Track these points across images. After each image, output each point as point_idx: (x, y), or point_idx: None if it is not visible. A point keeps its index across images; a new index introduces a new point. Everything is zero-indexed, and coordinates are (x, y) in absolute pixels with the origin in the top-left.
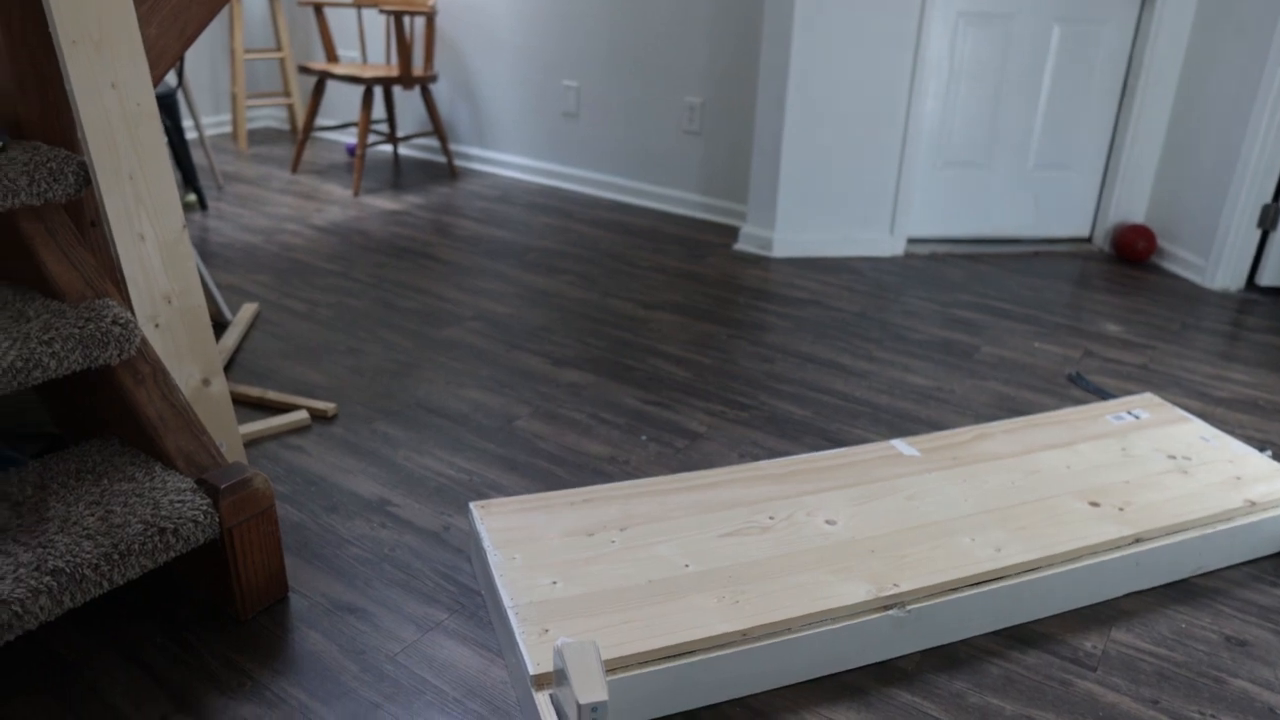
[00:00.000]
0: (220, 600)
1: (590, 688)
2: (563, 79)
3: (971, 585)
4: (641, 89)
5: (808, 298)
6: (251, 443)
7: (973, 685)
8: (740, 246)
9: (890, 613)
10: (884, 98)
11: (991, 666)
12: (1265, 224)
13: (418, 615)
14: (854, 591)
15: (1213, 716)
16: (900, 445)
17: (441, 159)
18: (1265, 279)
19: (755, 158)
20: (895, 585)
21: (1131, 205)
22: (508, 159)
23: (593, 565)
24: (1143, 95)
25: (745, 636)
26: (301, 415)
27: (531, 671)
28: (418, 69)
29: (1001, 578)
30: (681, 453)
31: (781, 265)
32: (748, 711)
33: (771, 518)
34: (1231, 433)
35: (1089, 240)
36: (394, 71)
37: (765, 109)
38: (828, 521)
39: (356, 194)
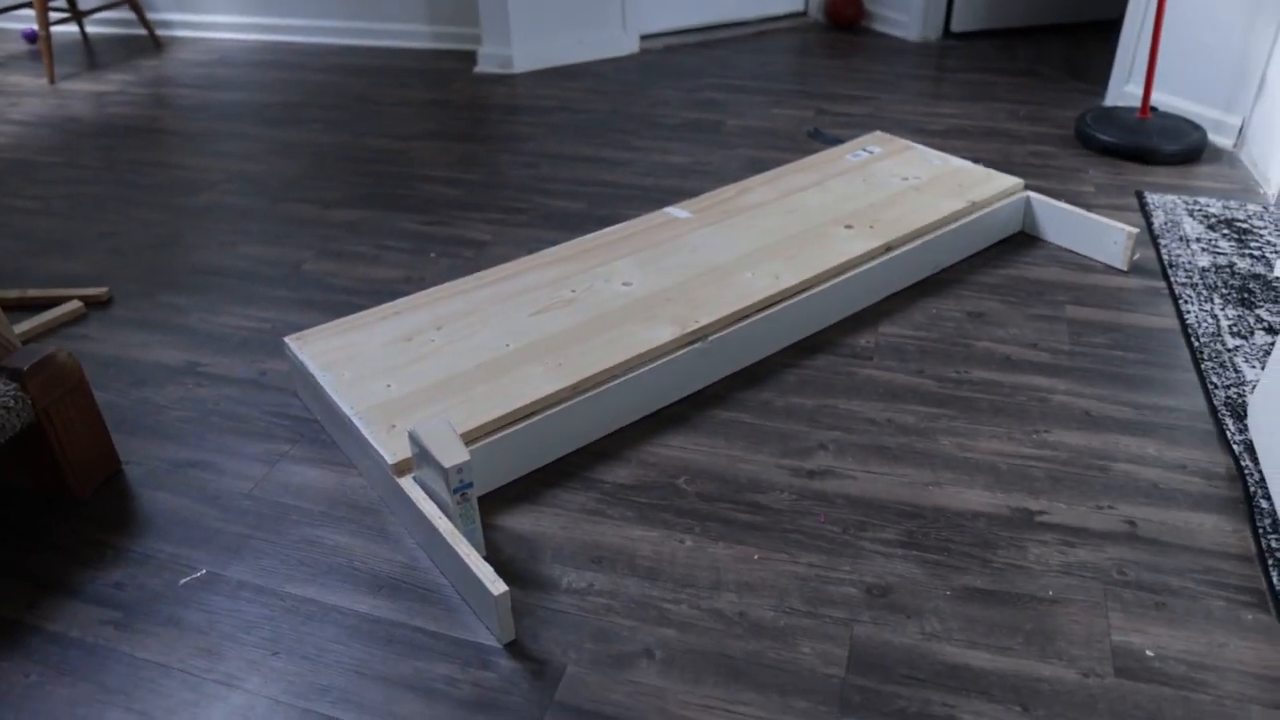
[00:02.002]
0: (54, 486)
1: (452, 453)
2: None
3: (759, 310)
4: None
5: (557, 105)
6: (28, 341)
7: (776, 393)
8: (481, 68)
9: (695, 346)
10: None
11: (788, 375)
12: None
13: (260, 453)
14: (661, 334)
15: (966, 372)
16: (674, 210)
17: (140, 31)
18: (956, 25)
19: None
20: (696, 322)
21: None
22: (215, 19)
23: (420, 364)
24: None
25: (576, 390)
26: (74, 305)
27: (390, 461)
28: None
29: (782, 299)
30: (471, 261)
31: (525, 79)
32: (591, 456)
33: (573, 291)
34: (951, 154)
35: (804, 14)
36: None
37: None
38: (624, 284)
39: (53, 81)
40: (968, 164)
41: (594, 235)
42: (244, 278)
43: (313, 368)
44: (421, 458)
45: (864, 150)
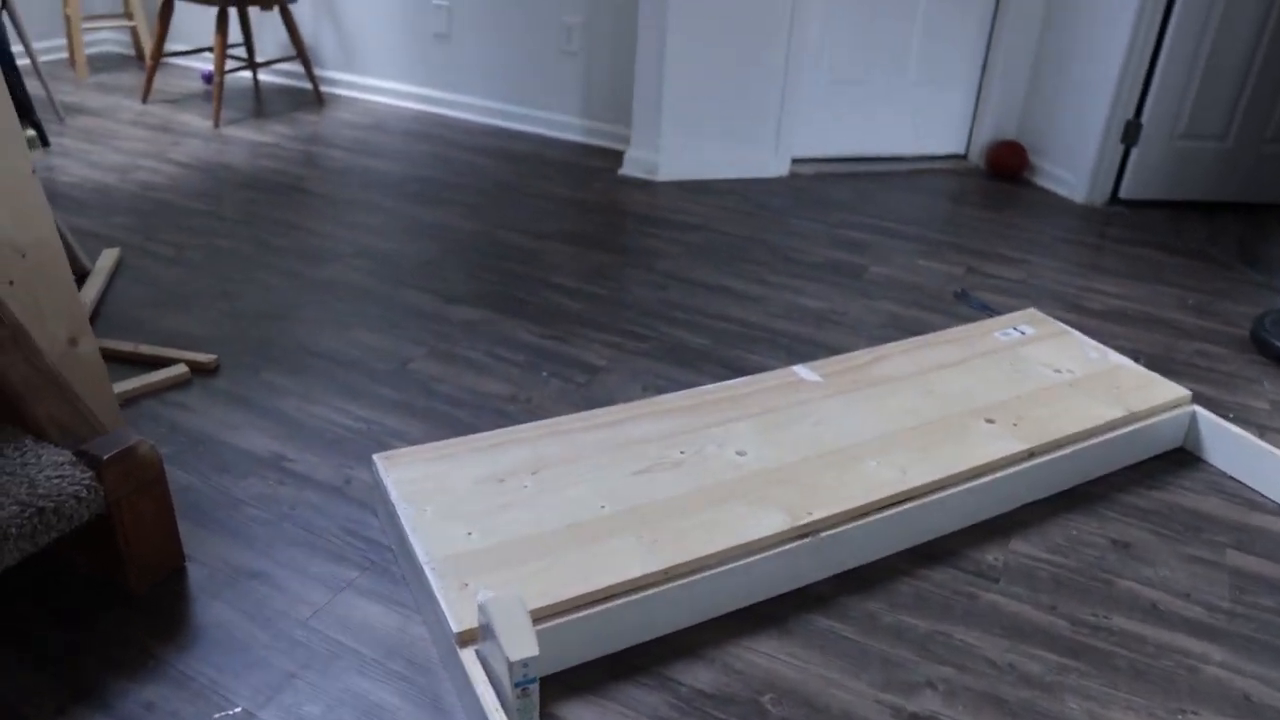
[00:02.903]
0: (111, 576)
1: (520, 643)
2: None
3: (880, 509)
4: (516, 7)
5: (696, 222)
6: (128, 402)
7: (885, 605)
8: (625, 171)
9: (805, 541)
10: (767, 14)
11: (902, 585)
12: (1128, 140)
13: (326, 575)
14: (770, 522)
15: (1105, 617)
16: (802, 371)
17: (306, 85)
18: (1126, 192)
19: (637, 79)
20: (809, 514)
21: (1004, 122)
22: (378, 84)
23: (507, 512)
24: (1014, 10)
25: (667, 576)
26: (180, 369)
27: (455, 629)
28: None
29: (908, 499)
30: (584, 388)
31: (668, 189)
32: (671, 649)
33: (682, 452)
34: (1105, 343)
35: (964, 157)
36: None
37: (646, 28)
38: (738, 453)
39: (217, 125)
40: (1129, 362)
41: (715, 387)
42: (350, 366)
43: (396, 496)
44: (488, 632)
45: (1015, 329)
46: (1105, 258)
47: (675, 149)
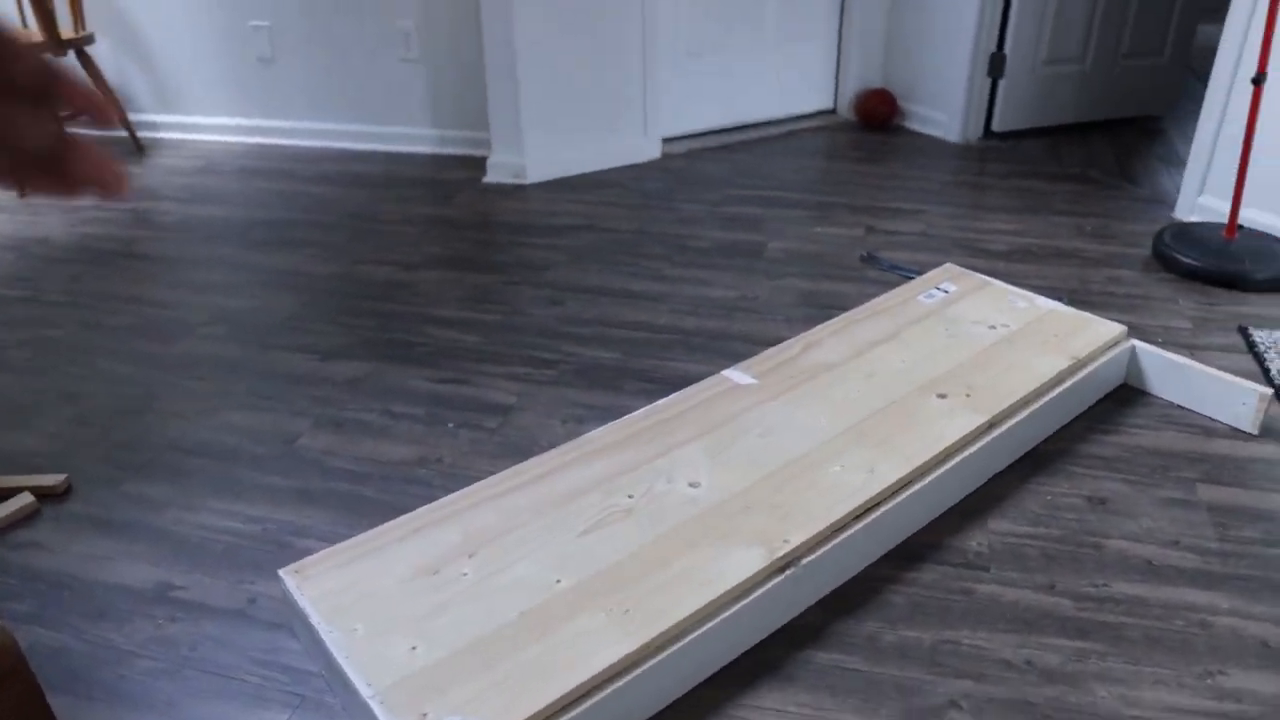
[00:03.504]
0: None
1: None
2: (249, 19)
3: (856, 518)
4: (345, 18)
5: (577, 222)
6: None
7: (882, 623)
8: (491, 178)
9: (787, 574)
10: None
11: (892, 596)
12: (994, 72)
13: None
14: (747, 561)
15: (1104, 585)
16: (734, 375)
17: (120, 133)
18: (999, 125)
19: (489, 79)
20: (785, 541)
21: (868, 71)
22: (201, 121)
23: (449, 611)
24: None
25: (648, 651)
26: (24, 499)
27: None
28: (66, 30)
29: (880, 502)
30: (497, 433)
31: (539, 191)
32: None
33: (630, 496)
34: (1020, 285)
35: (834, 111)
36: (37, 37)
37: (491, 24)
38: (690, 485)
39: (22, 194)
40: (1058, 306)
41: (644, 413)
42: (228, 458)
43: (317, 619)
44: None
45: (938, 289)
46: (994, 195)
47: (540, 148)
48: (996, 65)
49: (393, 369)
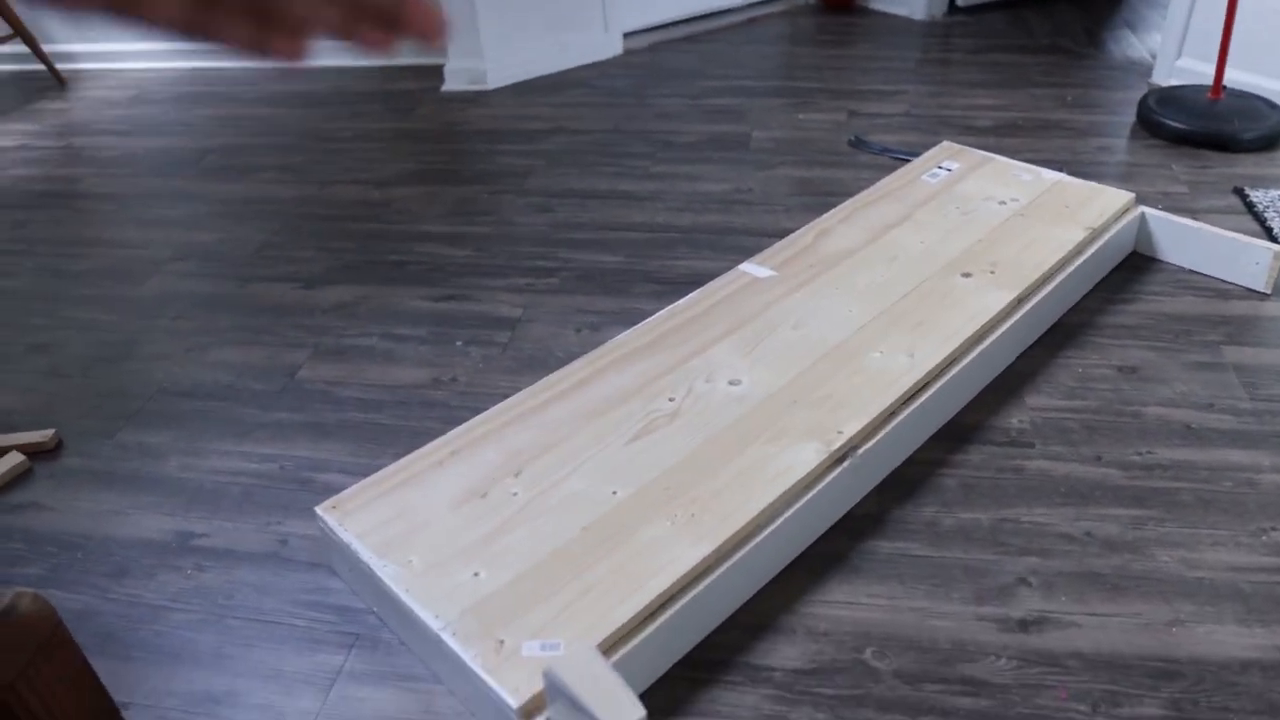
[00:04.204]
0: None
1: (620, 709)
2: None
3: (904, 403)
4: None
5: (549, 126)
6: None
7: (940, 507)
8: (450, 86)
9: (846, 464)
10: None
11: (945, 479)
12: None
13: (306, 671)
14: (804, 456)
15: (1149, 452)
16: (751, 268)
17: (38, 66)
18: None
19: None
20: (839, 432)
21: None
22: (124, 48)
23: (508, 534)
24: None
25: (720, 555)
26: (14, 459)
27: (515, 705)
28: None
29: (927, 385)
30: (510, 347)
31: (503, 96)
32: (744, 633)
33: (671, 399)
34: (1015, 159)
35: None
36: None
37: None
38: (731, 383)
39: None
40: (1063, 177)
41: (667, 312)
42: (227, 397)
43: (368, 555)
44: (564, 699)
45: (940, 168)
46: (970, 71)
47: (500, 50)
48: None
49: (386, 290)
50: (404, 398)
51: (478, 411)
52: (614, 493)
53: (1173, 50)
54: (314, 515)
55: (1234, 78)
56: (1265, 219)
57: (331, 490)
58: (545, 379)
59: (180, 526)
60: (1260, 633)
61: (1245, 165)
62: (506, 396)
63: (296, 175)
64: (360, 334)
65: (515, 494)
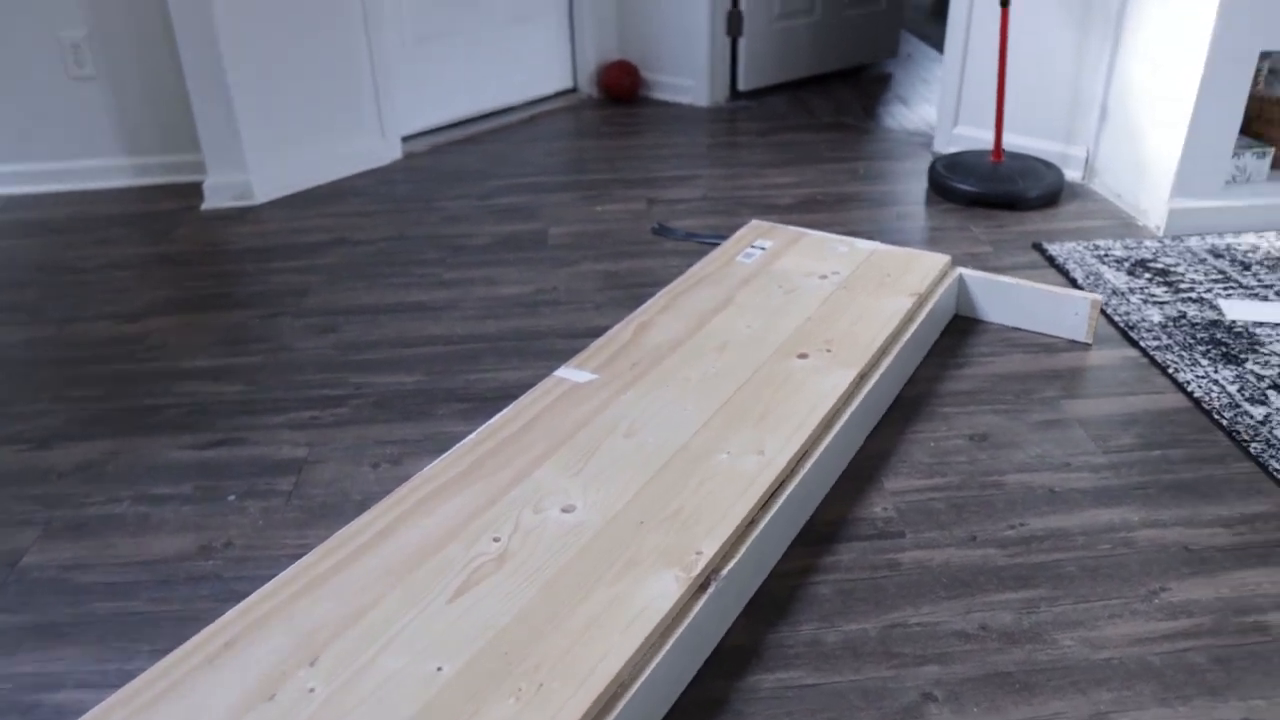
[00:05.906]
0: None
1: None
2: None
3: (763, 509)
4: None
5: (329, 238)
6: None
7: (819, 622)
8: (211, 204)
9: (711, 589)
10: None
11: (817, 588)
12: (733, 30)
13: None
14: (663, 588)
15: (1021, 524)
16: (567, 373)
17: None
18: (745, 84)
19: (193, 91)
20: (699, 553)
21: (605, 43)
22: None
23: None
24: None
25: None
26: None
27: None
28: None
29: (783, 484)
30: (295, 495)
31: (273, 210)
32: None
33: (496, 539)
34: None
35: (575, 90)
36: None
37: (187, 26)
38: (564, 510)
39: None
40: (879, 245)
41: (479, 435)
42: None
43: None
44: None
45: (753, 247)
46: (761, 152)
47: (266, 161)
48: (735, 23)
49: (140, 442)
50: (165, 575)
51: (260, 582)
52: (439, 669)
53: (949, 119)
54: None
55: (1008, 140)
56: (1067, 270)
57: (68, 714)
58: (340, 532)
59: None
60: (1184, 711)
61: (1035, 222)
62: (295, 559)
63: (27, 315)
64: (107, 499)
65: (312, 689)
